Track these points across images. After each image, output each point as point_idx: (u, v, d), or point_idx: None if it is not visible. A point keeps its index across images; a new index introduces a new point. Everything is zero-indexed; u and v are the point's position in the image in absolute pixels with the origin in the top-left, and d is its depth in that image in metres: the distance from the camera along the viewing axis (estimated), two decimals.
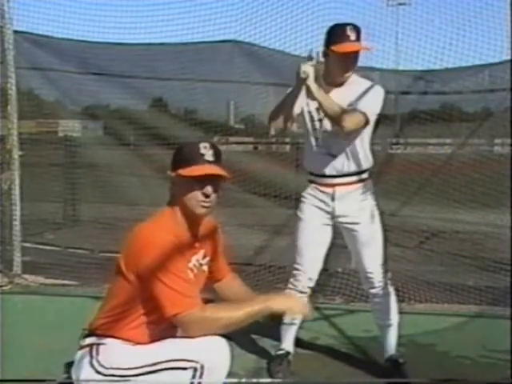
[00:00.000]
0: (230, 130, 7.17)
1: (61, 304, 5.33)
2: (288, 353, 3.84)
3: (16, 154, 6.01)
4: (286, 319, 3.58)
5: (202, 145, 2.50)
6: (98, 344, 2.52)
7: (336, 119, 3.39)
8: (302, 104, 3.55)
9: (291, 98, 3.46)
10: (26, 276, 6.01)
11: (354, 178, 3.59)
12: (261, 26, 5.73)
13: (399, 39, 5.52)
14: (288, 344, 3.85)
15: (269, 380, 2.75)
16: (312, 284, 3.67)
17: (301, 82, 3.35)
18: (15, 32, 5.94)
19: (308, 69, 3.31)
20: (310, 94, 3.42)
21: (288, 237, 4.39)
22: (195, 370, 2.37)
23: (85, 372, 2.48)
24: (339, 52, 3.40)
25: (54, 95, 6.90)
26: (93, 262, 6.12)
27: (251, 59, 6.08)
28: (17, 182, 6.01)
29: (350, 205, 3.58)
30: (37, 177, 6.72)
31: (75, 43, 6.30)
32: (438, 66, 5.49)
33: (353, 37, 3.40)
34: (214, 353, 2.39)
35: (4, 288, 5.77)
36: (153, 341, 2.51)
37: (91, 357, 2.50)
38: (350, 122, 3.38)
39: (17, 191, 6.02)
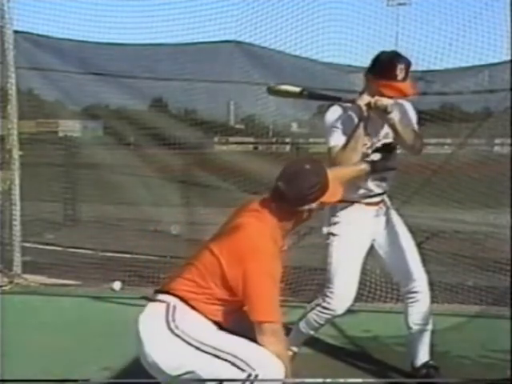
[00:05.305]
0: (230, 130, 7.17)
1: (61, 304, 5.34)
2: (295, 353, 3.69)
3: (16, 154, 6.02)
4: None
5: None
6: (175, 305, 2.58)
7: (411, 146, 3.47)
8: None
9: (359, 134, 3.37)
10: (26, 276, 6.03)
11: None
12: (261, 27, 5.74)
13: (399, 39, 5.51)
14: (297, 345, 3.75)
15: (294, 380, 2.76)
16: None
17: (384, 117, 3.33)
18: (15, 32, 5.95)
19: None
20: (392, 127, 3.38)
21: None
22: (249, 376, 2.46)
23: (157, 323, 2.55)
24: (382, 89, 3.31)
25: (54, 95, 6.90)
26: (93, 262, 6.13)
27: (251, 59, 6.07)
28: (17, 181, 6.02)
29: (391, 214, 3.65)
30: (37, 177, 6.71)
31: (75, 43, 6.30)
32: (438, 66, 5.50)
33: (400, 76, 3.27)
34: (272, 371, 2.48)
35: (4, 288, 5.78)
36: (225, 323, 2.60)
37: (167, 313, 2.56)
38: (421, 146, 3.53)
39: (17, 191, 6.02)
